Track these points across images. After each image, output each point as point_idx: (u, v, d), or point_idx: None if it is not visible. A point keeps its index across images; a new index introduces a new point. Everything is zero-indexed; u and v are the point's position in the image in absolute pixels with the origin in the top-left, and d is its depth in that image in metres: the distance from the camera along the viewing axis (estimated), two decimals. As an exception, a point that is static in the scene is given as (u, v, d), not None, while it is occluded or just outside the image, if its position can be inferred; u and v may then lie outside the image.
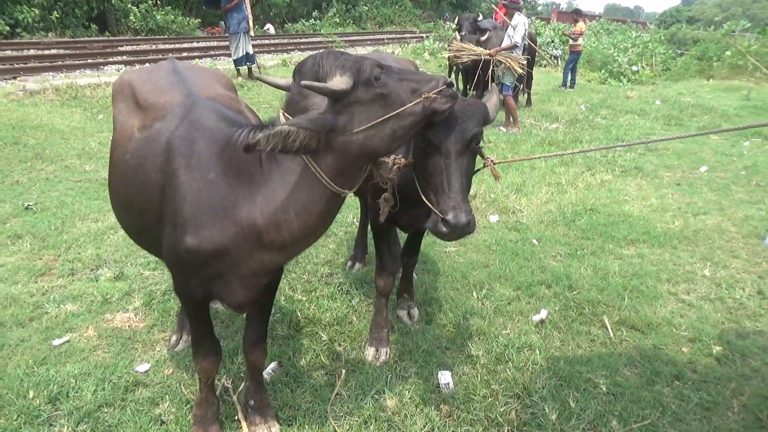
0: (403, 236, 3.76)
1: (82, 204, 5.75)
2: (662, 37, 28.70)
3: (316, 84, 1.97)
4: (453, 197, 2.28)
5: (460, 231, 2.25)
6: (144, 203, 2.40)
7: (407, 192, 2.58)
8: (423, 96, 2.04)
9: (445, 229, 2.26)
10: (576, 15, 16.38)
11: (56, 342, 3.47)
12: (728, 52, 19.98)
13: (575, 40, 15.78)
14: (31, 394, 2.96)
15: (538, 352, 3.41)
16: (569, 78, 16.04)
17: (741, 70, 19.16)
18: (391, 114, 2.02)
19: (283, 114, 2.24)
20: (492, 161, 2.64)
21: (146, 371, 3.26)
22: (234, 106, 2.62)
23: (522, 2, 11.08)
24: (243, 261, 2.23)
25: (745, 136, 9.49)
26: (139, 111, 2.63)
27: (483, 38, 10.82)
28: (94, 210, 5.61)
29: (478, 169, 2.60)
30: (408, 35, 30.71)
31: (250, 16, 12.36)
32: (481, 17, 12.17)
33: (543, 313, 3.81)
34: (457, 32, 11.79)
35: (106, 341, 3.54)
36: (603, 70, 21.86)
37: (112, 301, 3.98)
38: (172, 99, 2.50)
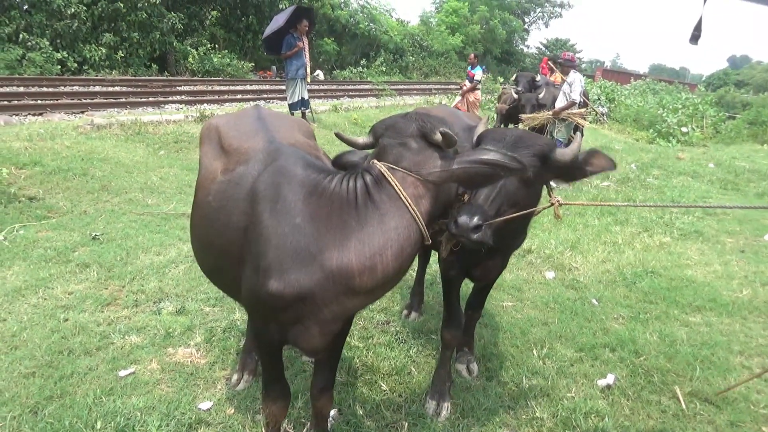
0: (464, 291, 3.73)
1: (144, 237, 5.93)
2: (712, 100, 28.43)
3: (451, 134, 2.14)
4: (473, 204, 2.41)
5: (466, 232, 2.32)
6: (225, 244, 2.46)
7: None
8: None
9: (453, 228, 2.36)
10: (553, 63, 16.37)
11: (122, 373, 3.53)
12: (783, 118, 19.58)
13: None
14: (99, 424, 3.00)
15: (607, 419, 3.28)
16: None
17: (797, 137, 18.76)
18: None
19: (380, 163, 2.30)
20: (558, 201, 2.64)
21: (208, 409, 3.26)
22: (313, 153, 2.70)
23: (577, 60, 11.24)
24: (327, 306, 2.25)
25: (808, 205, 9.20)
26: (223, 155, 2.72)
27: (540, 96, 11.00)
28: (156, 243, 5.77)
29: (544, 208, 2.64)
30: (453, 86, 31.26)
31: (308, 64, 12.81)
32: (539, 77, 12.42)
33: (610, 378, 3.68)
34: (513, 88, 12.11)
35: (169, 375, 3.57)
36: (651, 130, 21.72)
37: (174, 335, 4.04)
38: (255, 144, 2.59)
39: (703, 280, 5.50)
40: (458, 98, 15.01)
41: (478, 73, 14.51)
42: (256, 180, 2.36)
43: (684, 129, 21.08)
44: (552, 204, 2.61)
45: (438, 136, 2.13)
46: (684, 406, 3.47)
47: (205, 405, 3.29)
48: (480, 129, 2.67)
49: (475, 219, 2.33)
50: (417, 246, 2.19)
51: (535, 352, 4.08)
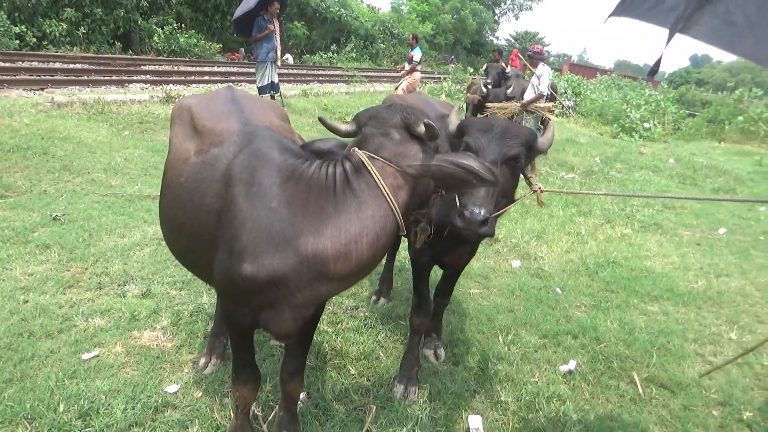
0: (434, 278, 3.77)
1: (108, 218, 5.79)
2: (673, 97, 29.19)
3: (434, 126, 2.15)
4: (476, 195, 2.42)
5: (474, 226, 2.37)
6: (197, 227, 2.43)
7: (452, 230, 2.64)
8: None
9: (459, 223, 2.39)
10: (497, 55, 16.56)
11: (86, 356, 3.46)
12: (741, 117, 20.28)
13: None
14: (62, 407, 2.94)
15: (568, 403, 3.39)
16: None
17: (752, 135, 19.45)
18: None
19: (361, 152, 2.29)
20: (540, 189, 2.71)
21: (175, 392, 3.24)
22: (289, 137, 2.68)
23: (546, 53, 11.38)
24: (300, 291, 2.25)
25: (762, 202, 9.57)
26: (196, 136, 2.68)
27: (509, 91, 11.04)
28: (120, 225, 5.64)
29: (524, 195, 2.70)
30: (425, 76, 31.24)
31: (279, 47, 12.63)
32: (509, 69, 12.49)
33: (572, 364, 3.79)
34: (483, 79, 12.15)
35: (135, 359, 3.52)
36: (615, 125, 22.18)
37: (139, 318, 3.98)
38: (230, 126, 2.56)
39: (662, 271, 5.69)
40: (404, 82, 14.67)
41: (416, 54, 14.35)
42: (231, 162, 2.34)
43: (646, 125, 21.60)
44: (534, 191, 2.66)
45: (421, 128, 2.15)
46: (641, 391, 3.61)
47: (171, 388, 3.26)
48: (454, 118, 2.69)
49: (483, 212, 2.35)
50: (392, 235, 2.21)
51: (500, 338, 4.17)
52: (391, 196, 2.14)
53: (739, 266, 5.99)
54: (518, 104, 10.18)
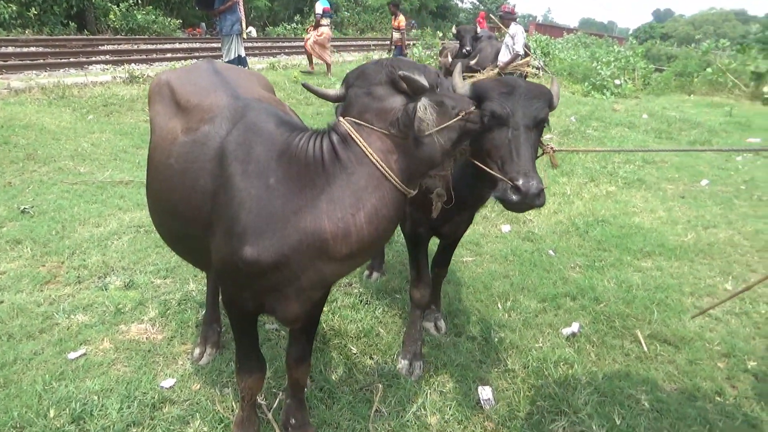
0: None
1: (80, 208, 5.52)
2: (642, 53, 29.25)
3: (413, 75, 1.93)
4: (523, 164, 2.23)
5: (531, 199, 2.17)
6: (190, 210, 2.26)
7: (454, 195, 2.50)
8: (461, 114, 2.08)
9: (514, 197, 2.18)
10: (393, 8, 16.32)
11: (72, 355, 3.27)
12: (709, 69, 20.44)
13: (400, 34, 15.77)
14: (52, 413, 2.77)
15: (576, 367, 3.34)
16: None
17: (721, 86, 19.63)
18: (448, 123, 2.04)
19: (345, 119, 2.11)
20: (552, 149, 2.56)
21: (172, 387, 3.09)
22: (280, 108, 2.50)
23: (517, 13, 11.17)
24: (304, 273, 2.10)
25: (737, 152, 9.67)
26: (181, 113, 2.49)
27: (473, 63, 10.65)
28: (93, 214, 5.38)
29: (537, 157, 2.55)
30: (389, 43, 30.68)
31: (243, 19, 12.16)
32: (479, 30, 12.19)
33: (575, 327, 3.75)
34: (458, 45, 11.74)
35: (125, 354, 3.35)
36: (586, 83, 22.17)
37: (125, 311, 3.79)
38: (218, 100, 2.37)
39: (650, 227, 5.68)
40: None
41: (318, 5, 13.84)
42: (224, 139, 2.16)
43: (617, 81, 21.61)
44: (546, 152, 2.51)
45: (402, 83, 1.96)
46: (645, 349, 3.59)
47: (167, 383, 3.11)
48: (458, 80, 2.49)
49: (537, 182, 2.15)
50: (396, 206, 2.04)
51: (499, 305, 4.10)
52: (381, 163, 1.96)
53: (725, 217, 6.02)
54: (495, 70, 9.98)
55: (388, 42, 17.43)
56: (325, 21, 14.31)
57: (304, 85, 2.30)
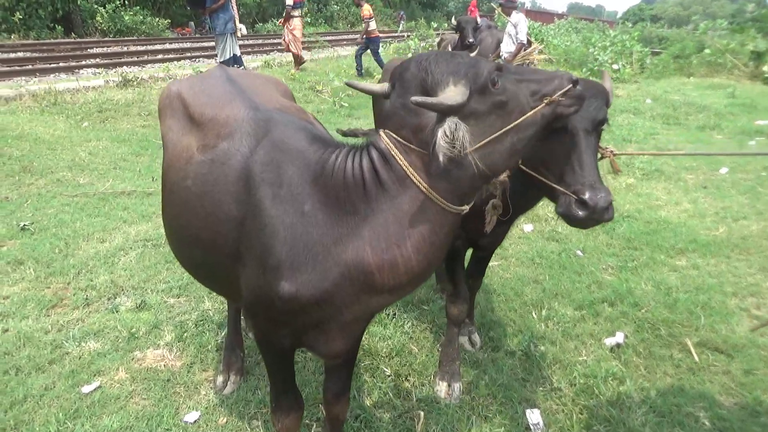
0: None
1: (83, 222, 5.27)
2: (638, 36, 28.96)
3: (429, 100, 1.59)
4: (588, 174, 2.00)
5: (599, 214, 1.95)
6: (214, 238, 2.02)
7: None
8: (545, 100, 1.72)
9: (581, 212, 1.97)
10: None
11: (86, 389, 3.04)
12: (707, 50, 20.23)
13: (368, 26, 15.09)
14: (69, 458, 2.54)
15: (628, 383, 3.12)
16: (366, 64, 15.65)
17: (720, 67, 19.42)
18: (511, 126, 1.68)
19: (385, 133, 1.85)
20: (612, 152, 2.32)
21: (196, 421, 2.87)
22: (304, 118, 2.26)
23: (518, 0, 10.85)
24: (347, 307, 1.87)
25: (749, 135, 9.45)
26: (195, 128, 2.25)
27: (473, 54, 10.36)
28: (97, 228, 5.13)
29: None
30: (382, 35, 30.26)
31: (237, 17, 11.87)
32: (480, 21, 11.87)
33: (619, 337, 3.53)
34: (456, 36, 11.34)
35: (143, 385, 3.12)
36: (584, 69, 21.92)
37: (138, 335, 3.55)
38: (235, 113, 2.13)
39: (678, 221, 5.46)
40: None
41: None
42: (248, 159, 1.91)
43: (615, 66, 21.38)
44: (604, 156, 2.28)
45: (450, 93, 1.63)
46: (697, 359, 3.37)
47: (191, 416, 2.88)
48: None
49: (603, 195, 1.95)
50: (446, 230, 1.76)
51: (534, 314, 3.88)
52: (424, 185, 1.69)
53: (753, 207, 5.79)
54: (498, 59, 9.73)
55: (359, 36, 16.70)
56: (296, 12, 13.83)
57: (348, 83, 2.05)
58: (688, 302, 3.91)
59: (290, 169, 1.84)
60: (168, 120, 2.44)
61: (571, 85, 1.75)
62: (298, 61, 14.17)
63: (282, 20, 13.65)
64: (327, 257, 1.77)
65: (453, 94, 1.62)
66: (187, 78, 2.71)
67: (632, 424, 2.82)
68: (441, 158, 1.60)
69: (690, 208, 5.83)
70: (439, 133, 1.58)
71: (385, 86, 1.88)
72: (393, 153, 1.72)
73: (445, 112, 1.60)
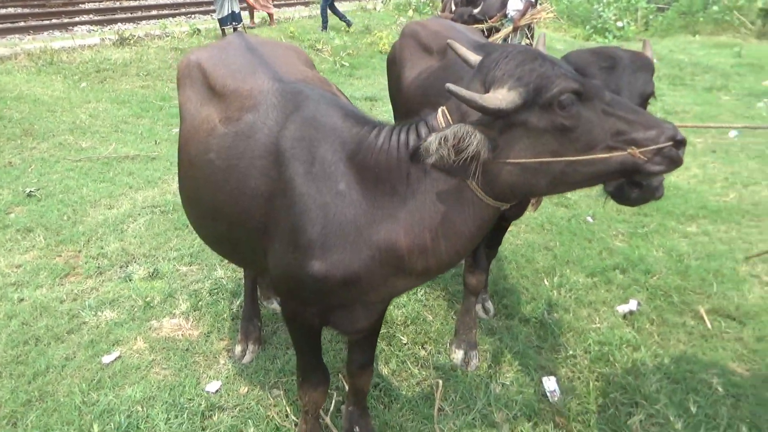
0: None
1: (89, 188, 5.22)
2: (641, -9, 28.31)
3: (464, 93, 1.47)
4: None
5: (650, 194, 1.91)
6: (238, 213, 1.99)
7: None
8: (629, 149, 1.48)
9: (633, 193, 1.91)
10: None
11: (106, 359, 3.07)
12: (715, 7, 19.80)
13: None
14: (96, 428, 2.58)
15: (643, 350, 3.16)
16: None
17: (727, 25, 19.06)
18: (569, 158, 1.51)
19: (442, 112, 1.70)
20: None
21: (218, 391, 2.90)
22: (329, 90, 2.19)
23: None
24: (374, 289, 1.86)
25: (756, 96, 9.35)
26: (216, 99, 2.19)
27: (476, 11, 9.96)
28: (104, 195, 5.09)
29: None
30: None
31: (235, -29, 11.50)
32: None
33: (632, 304, 3.56)
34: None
35: (162, 355, 3.14)
36: (587, 26, 21.50)
37: (154, 305, 3.56)
38: (259, 84, 2.07)
39: (688, 186, 5.45)
40: None
41: None
42: (279, 134, 1.86)
43: (619, 23, 20.98)
44: None
45: (498, 95, 1.49)
46: (709, 326, 3.41)
47: (212, 386, 2.92)
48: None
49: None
50: (480, 223, 1.69)
51: (546, 281, 3.90)
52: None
53: (763, 172, 5.77)
54: (510, 27, 9.36)
55: None
56: None
57: (449, 44, 1.99)
58: (699, 269, 3.93)
59: (323, 145, 1.80)
60: (187, 90, 2.38)
61: (671, 144, 1.48)
62: (271, 18, 14.28)
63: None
64: (359, 238, 1.74)
65: (499, 96, 1.50)
66: (206, 46, 2.62)
67: (647, 391, 2.87)
68: (428, 159, 1.53)
69: (699, 173, 5.81)
70: (439, 134, 1.50)
71: (478, 59, 1.78)
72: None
73: (478, 110, 1.50)
